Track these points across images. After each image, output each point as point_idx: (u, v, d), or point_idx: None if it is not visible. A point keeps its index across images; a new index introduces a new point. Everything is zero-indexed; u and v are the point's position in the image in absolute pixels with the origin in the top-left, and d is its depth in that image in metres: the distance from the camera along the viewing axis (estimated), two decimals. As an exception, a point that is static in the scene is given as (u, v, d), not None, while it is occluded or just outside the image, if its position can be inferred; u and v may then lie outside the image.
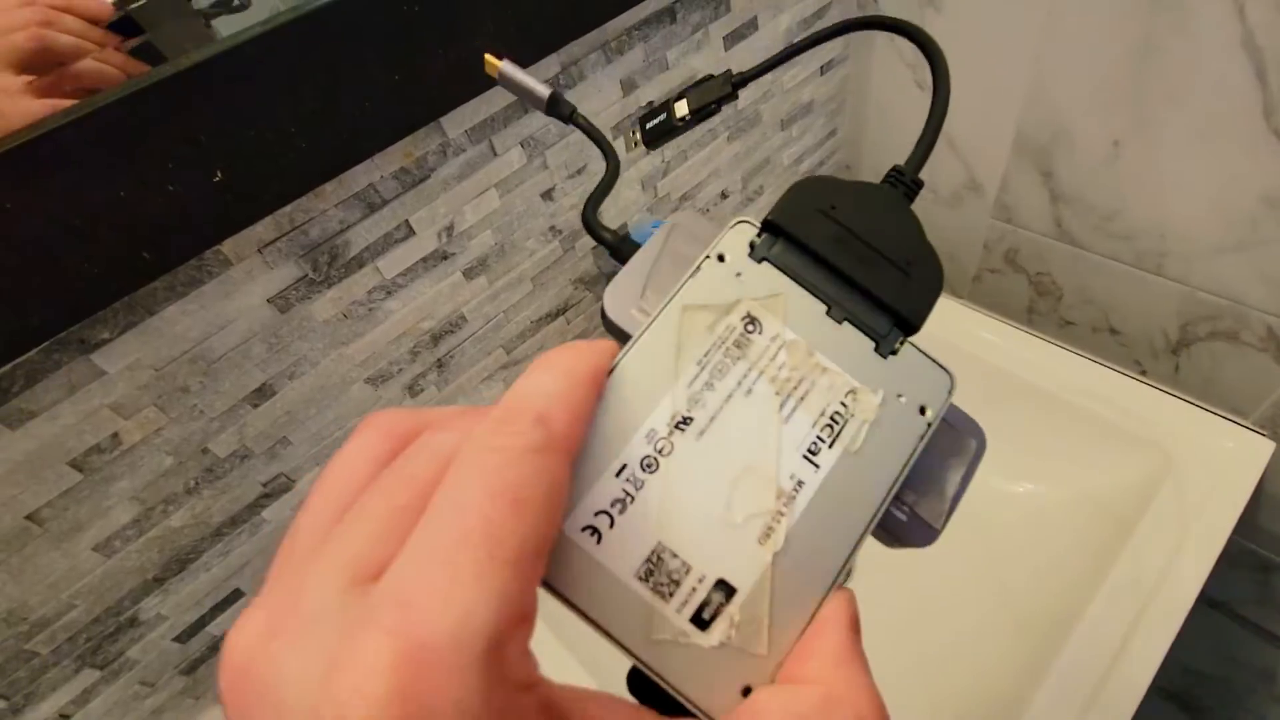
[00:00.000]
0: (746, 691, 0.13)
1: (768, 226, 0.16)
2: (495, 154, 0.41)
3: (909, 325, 0.16)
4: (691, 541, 0.13)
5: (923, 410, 0.15)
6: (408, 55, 0.32)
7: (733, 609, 0.13)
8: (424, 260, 0.41)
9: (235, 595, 0.44)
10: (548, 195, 0.46)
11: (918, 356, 0.16)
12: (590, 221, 0.28)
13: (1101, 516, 0.47)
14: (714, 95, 0.33)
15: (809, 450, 0.14)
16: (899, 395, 0.15)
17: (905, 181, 0.18)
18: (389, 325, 0.42)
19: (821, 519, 0.14)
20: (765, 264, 0.16)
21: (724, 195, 0.60)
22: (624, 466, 0.13)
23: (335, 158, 0.33)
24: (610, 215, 0.51)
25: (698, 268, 0.15)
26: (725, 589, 0.13)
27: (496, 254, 0.45)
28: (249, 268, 0.34)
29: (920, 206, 0.81)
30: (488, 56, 0.29)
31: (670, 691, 0.13)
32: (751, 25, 0.52)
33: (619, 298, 0.17)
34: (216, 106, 0.28)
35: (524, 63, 0.38)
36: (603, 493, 0.13)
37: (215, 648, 0.44)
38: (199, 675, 0.44)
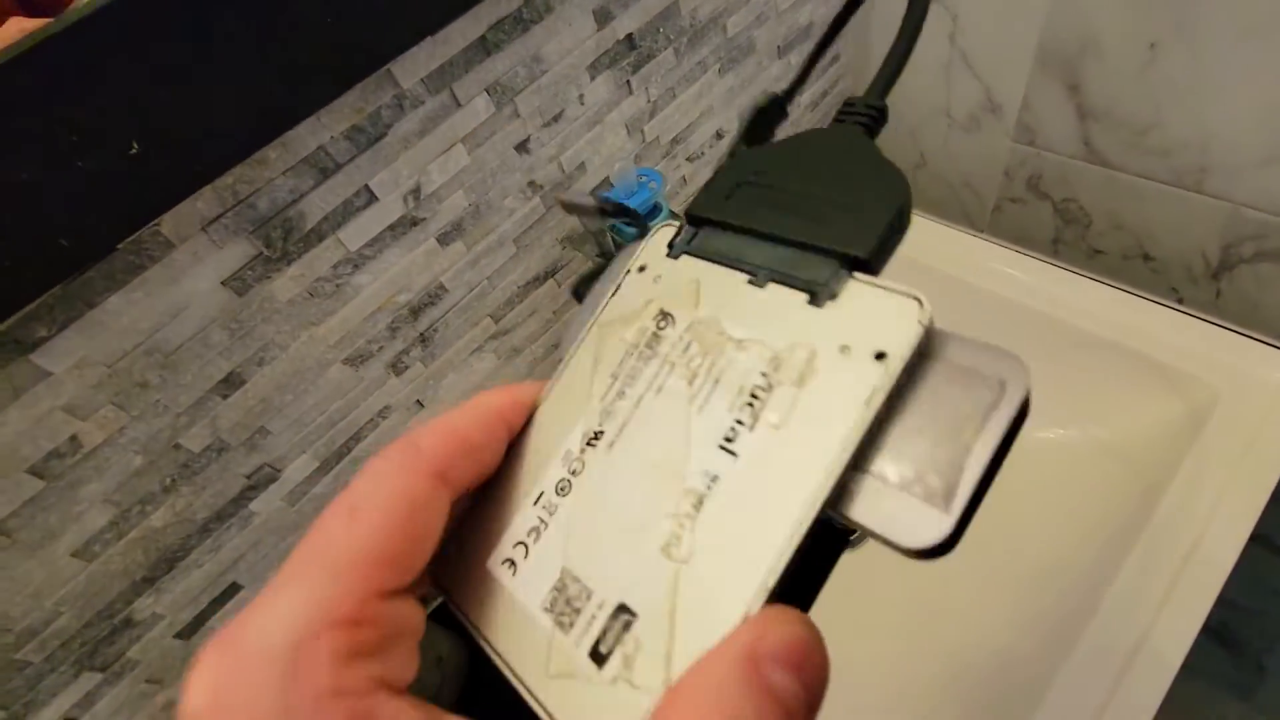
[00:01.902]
0: None
1: (689, 220, 0.15)
2: (459, 104, 0.37)
3: (859, 261, 0.13)
4: (596, 564, 0.12)
5: (881, 356, 0.11)
6: (340, -7, 0.28)
7: (630, 638, 0.11)
8: (391, 228, 0.38)
9: (233, 589, 0.42)
10: (522, 147, 0.42)
11: (871, 293, 0.12)
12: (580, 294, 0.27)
13: (1141, 459, 0.44)
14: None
15: (725, 439, 0.12)
16: (843, 346, 0.12)
17: (857, 112, 0.16)
18: (361, 301, 0.39)
19: (741, 517, 0.11)
20: (685, 257, 0.14)
21: (719, 135, 0.56)
22: (541, 494, 0.13)
23: (272, 117, 0.29)
24: (594, 166, 0.47)
25: (618, 285, 0.14)
26: (626, 614, 0.11)
27: (472, 216, 0.42)
28: (194, 248, 0.31)
29: (933, 133, 0.75)
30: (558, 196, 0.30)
31: None
32: (738, -61, 0.47)
33: (575, 325, 0.15)
34: (120, 66, 0.24)
35: (478, -4, 0.34)
36: (522, 523, 0.13)
37: (219, 641, 0.43)
38: (206, 669, 0.44)
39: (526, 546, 0.13)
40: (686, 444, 0.12)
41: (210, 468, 0.37)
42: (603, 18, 0.42)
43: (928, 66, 0.59)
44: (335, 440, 0.43)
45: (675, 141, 0.53)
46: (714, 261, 0.14)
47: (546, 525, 0.13)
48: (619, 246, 0.43)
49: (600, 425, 0.13)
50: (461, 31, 0.35)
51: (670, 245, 0.14)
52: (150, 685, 0.41)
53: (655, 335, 0.13)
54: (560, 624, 0.12)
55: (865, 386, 0.11)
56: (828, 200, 0.13)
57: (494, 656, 0.12)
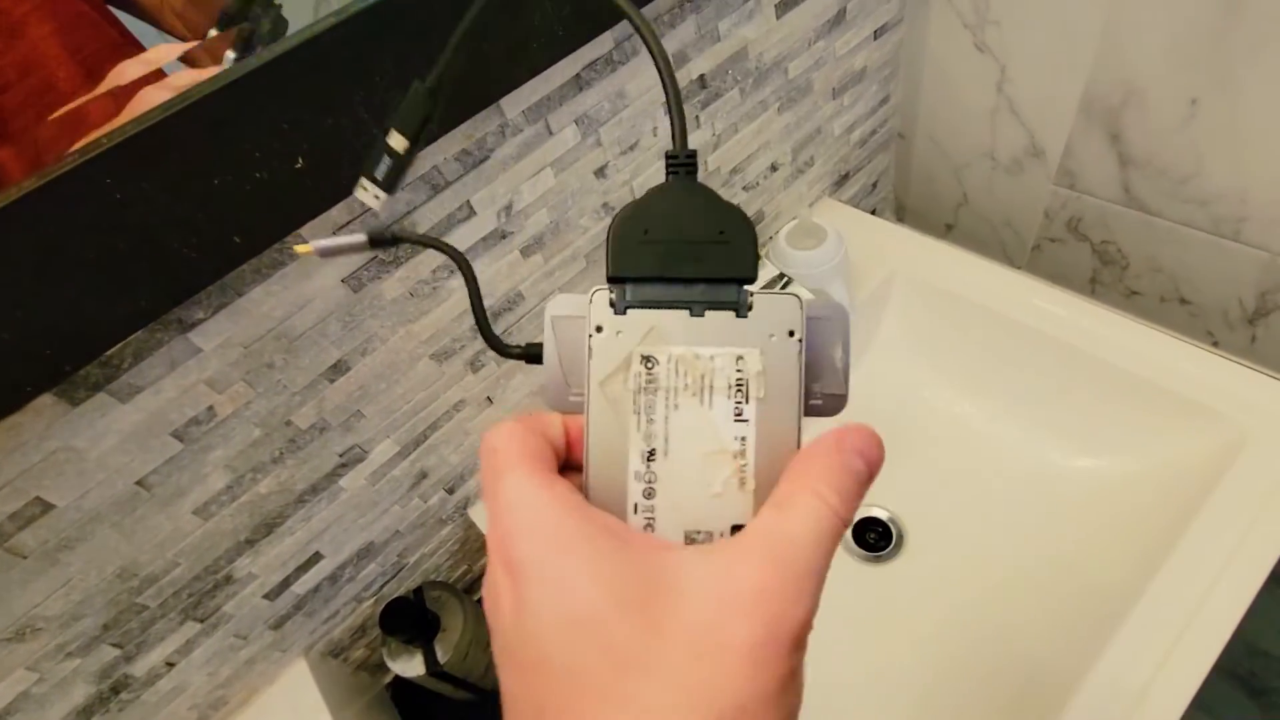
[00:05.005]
0: None
1: (613, 280, 0.19)
2: (551, 133, 0.42)
3: (748, 279, 0.19)
4: (703, 518, 0.18)
5: (792, 333, 0.18)
6: (473, 40, 0.33)
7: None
8: (484, 239, 0.43)
9: (316, 557, 0.47)
10: (600, 172, 0.47)
11: (767, 298, 0.18)
12: (494, 343, 0.25)
13: (1169, 493, 0.46)
14: (420, 112, 0.29)
15: (735, 415, 0.18)
16: (771, 335, 0.18)
17: (681, 162, 0.20)
18: (451, 303, 0.44)
19: (768, 446, 0.18)
20: (630, 310, 0.19)
21: (773, 168, 0.60)
22: (635, 505, 0.18)
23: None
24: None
25: (590, 349, 0.19)
26: (739, 530, 0.18)
27: (551, 232, 0.46)
28: (325, 250, 0.36)
29: (977, 174, 0.78)
30: (297, 248, 0.28)
31: None
32: (804, -9, 0.51)
33: (553, 394, 0.20)
34: (296, 97, 0.29)
35: (578, 42, 0.38)
36: (634, 524, 0.18)
37: (299, 605, 0.48)
38: (285, 630, 0.48)
39: (652, 529, 0.18)
40: (715, 429, 0.18)
41: (312, 444, 0.42)
42: (680, 60, 0.46)
43: (975, 112, 0.63)
44: (416, 428, 0.47)
45: (734, 171, 0.57)
46: (654, 307, 0.18)
47: (653, 518, 0.18)
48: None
49: (649, 445, 0.18)
50: (561, 70, 0.40)
51: (613, 305, 0.19)
52: (237, 640, 0.46)
53: (649, 374, 0.18)
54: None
55: (794, 351, 0.18)
56: (706, 243, 0.19)
57: None
